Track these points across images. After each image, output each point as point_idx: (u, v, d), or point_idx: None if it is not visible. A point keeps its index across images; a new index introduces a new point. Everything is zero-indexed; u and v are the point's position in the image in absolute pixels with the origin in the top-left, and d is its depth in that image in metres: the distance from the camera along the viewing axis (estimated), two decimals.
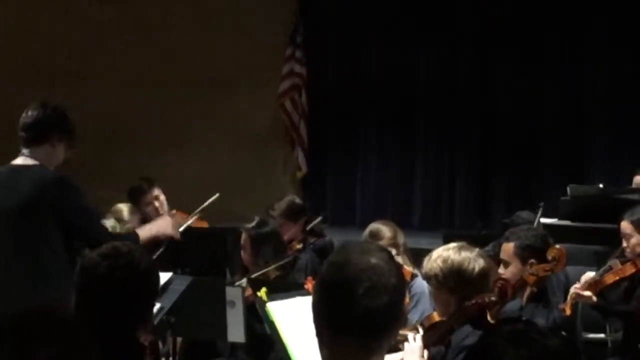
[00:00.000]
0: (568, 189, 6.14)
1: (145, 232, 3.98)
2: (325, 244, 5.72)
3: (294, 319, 2.78)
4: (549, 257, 3.81)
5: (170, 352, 4.34)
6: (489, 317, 3.18)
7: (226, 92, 9.25)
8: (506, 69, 9.24)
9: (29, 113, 3.72)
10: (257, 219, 4.96)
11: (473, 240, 3.55)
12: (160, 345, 4.51)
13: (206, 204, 4.66)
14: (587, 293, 4.13)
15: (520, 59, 9.19)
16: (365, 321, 1.84)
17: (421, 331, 3.14)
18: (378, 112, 9.50)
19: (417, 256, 4.03)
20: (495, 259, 3.93)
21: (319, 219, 6.07)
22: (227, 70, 9.27)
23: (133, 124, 9.20)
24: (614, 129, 8.95)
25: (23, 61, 9.21)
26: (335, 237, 6.34)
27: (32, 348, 1.45)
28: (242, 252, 4.86)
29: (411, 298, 4.33)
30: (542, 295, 3.99)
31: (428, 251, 3.31)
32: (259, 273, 4.55)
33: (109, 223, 4.64)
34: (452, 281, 3.15)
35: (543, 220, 5.58)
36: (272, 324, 2.82)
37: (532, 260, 3.86)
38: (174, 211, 5.49)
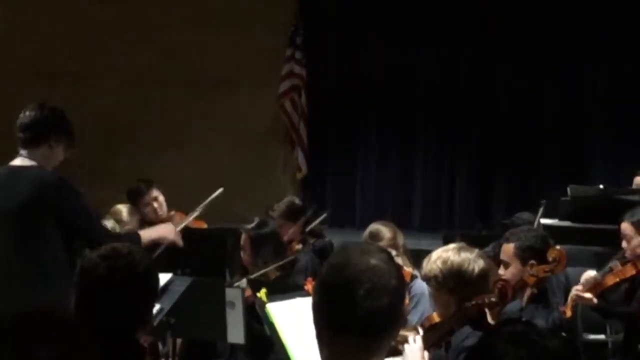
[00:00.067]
0: (568, 189, 6.14)
1: (147, 234, 3.99)
2: (325, 244, 5.71)
3: (293, 320, 2.78)
4: (549, 258, 3.81)
5: (170, 353, 4.34)
6: (489, 318, 3.18)
7: (226, 92, 9.25)
8: (506, 69, 9.25)
9: (27, 113, 3.72)
10: (256, 219, 4.96)
11: (473, 240, 3.55)
12: (160, 346, 4.51)
13: (210, 198, 4.65)
14: (588, 295, 4.13)
15: (520, 59, 9.19)
16: (365, 322, 1.84)
17: (421, 332, 3.14)
18: (378, 112, 9.50)
19: (417, 257, 4.03)
20: (495, 260, 3.93)
21: (323, 216, 6.07)
22: (227, 71, 9.27)
23: (133, 124, 9.20)
24: (614, 129, 8.96)
25: (23, 61, 9.21)
26: (335, 238, 6.34)
27: (32, 348, 1.45)
28: (241, 253, 4.86)
29: (411, 299, 4.33)
30: (542, 296, 3.99)
31: (428, 252, 3.31)
32: (259, 274, 4.55)
33: (109, 224, 4.64)
34: (451, 282, 3.15)
35: (543, 221, 5.58)
36: (271, 325, 2.82)
37: (532, 261, 3.85)
38: (172, 212, 5.50)
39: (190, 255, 4.56)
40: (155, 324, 3.45)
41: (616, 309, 4.41)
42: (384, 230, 4.83)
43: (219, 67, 9.29)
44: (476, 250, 3.26)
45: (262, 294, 3.03)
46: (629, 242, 4.30)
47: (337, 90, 9.54)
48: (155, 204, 5.41)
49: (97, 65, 9.28)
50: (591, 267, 4.49)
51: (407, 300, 3.81)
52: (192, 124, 9.28)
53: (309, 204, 6.30)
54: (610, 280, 4.22)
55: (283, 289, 3.56)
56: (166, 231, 4.13)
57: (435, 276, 3.18)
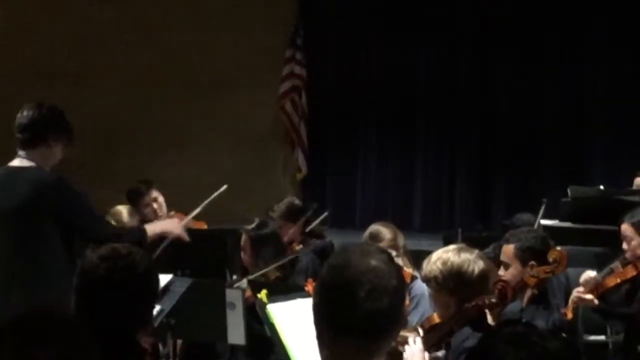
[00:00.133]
0: (569, 190, 6.14)
1: (152, 228, 3.98)
2: (325, 245, 5.71)
3: (294, 320, 2.78)
4: (550, 259, 3.81)
5: (171, 354, 4.34)
6: (489, 319, 3.18)
7: (226, 92, 9.25)
8: (506, 69, 9.26)
9: (24, 114, 3.72)
10: (257, 220, 4.96)
11: (473, 241, 3.55)
12: (161, 347, 4.51)
13: (214, 195, 4.65)
14: (589, 296, 4.13)
15: (520, 59, 9.20)
16: (365, 323, 1.84)
17: (421, 333, 3.14)
18: (378, 112, 9.51)
19: (418, 258, 4.03)
20: (495, 261, 3.92)
21: (323, 216, 6.07)
22: (227, 70, 9.27)
23: (133, 124, 9.20)
24: (614, 129, 8.97)
25: (23, 61, 9.21)
26: (335, 238, 6.34)
27: (32, 348, 1.45)
28: (242, 254, 4.86)
29: (411, 300, 4.33)
30: (543, 297, 3.99)
31: (428, 253, 3.31)
32: (259, 274, 4.55)
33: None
34: (451, 283, 3.15)
35: (543, 221, 5.58)
36: (272, 326, 2.82)
37: (532, 262, 3.85)
38: (172, 212, 5.49)
39: (190, 256, 4.56)
40: (155, 325, 3.46)
41: (617, 310, 4.41)
42: (384, 231, 4.84)
43: (219, 67, 9.29)
44: (476, 251, 3.26)
45: (262, 294, 3.02)
46: (629, 243, 4.29)
47: (337, 90, 9.55)
48: (155, 205, 5.41)
49: (97, 65, 9.28)
50: (591, 267, 4.49)
51: (407, 301, 3.81)
52: (192, 124, 9.28)
53: (309, 205, 6.30)
54: (611, 281, 4.22)
55: (283, 290, 3.57)
56: (171, 225, 4.13)
57: (435, 277, 3.18)
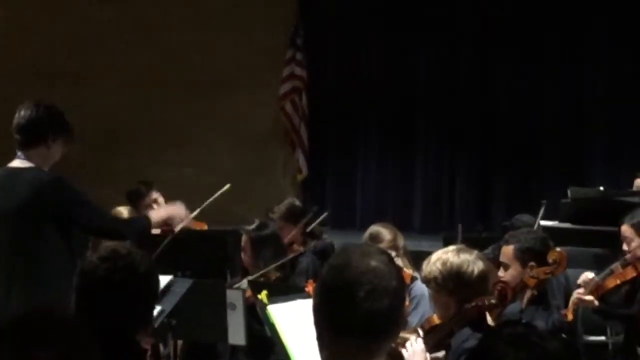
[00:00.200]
0: (569, 191, 6.15)
1: (156, 215, 3.98)
2: (325, 246, 5.71)
3: (294, 321, 2.78)
4: (550, 260, 3.81)
5: (171, 354, 4.35)
6: (489, 320, 3.19)
7: (226, 92, 9.25)
8: (506, 69, 9.25)
9: (22, 113, 3.70)
10: (257, 221, 4.96)
11: (473, 242, 3.56)
12: (161, 348, 4.52)
13: (217, 194, 4.65)
14: (589, 298, 4.13)
15: (520, 59, 9.20)
16: (366, 324, 1.84)
17: (421, 334, 3.15)
18: (378, 112, 9.51)
19: (418, 258, 4.03)
20: (495, 262, 3.92)
21: (322, 216, 6.07)
22: (227, 71, 9.27)
23: (133, 124, 9.20)
24: (614, 129, 8.97)
25: (23, 61, 9.21)
26: (336, 239, 6.34)
27: (32, 348, 1.45)
28: (242, 255, 4.86)
29: (411, 301, 4.33)
30: (542, 298, 3.99)
31: (428, 253, 3.31)
32: (259, 274, 4.56)
33: (108, 239, 4.59)
34: (451, 284, 3.15)
35: (543, 222, 5.58)
36: (272, 327, 2.83)
37: (532, 263, 3.85)
38: None
39: (191, 257, 4.57)
40: (156, 325, 3.46)
41: (617, 311, 4.41)
42: (384, 232, 4.84)
43: (219, 67, 9.29)
44: (475, 252, 3.27)
45: (263, 295, 3.03)
46: (629, 244, 4.30)
47: (337, 90, 9.55)
48: (156, 206, 5.41)
49: (97, 65, 9.28)
50: (591, 268, 4.49)
51: (407, 302, 3.82)
52: (192, 124, 9.28)
53: (309, 206, 6.30)
54: (611, 282, 4.22)
55: (284, 291, 3.57)
56: (175, 210, 4.12)
57: (435, 278, 3.18)
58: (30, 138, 3.70)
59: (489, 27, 9.30)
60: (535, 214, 5.76)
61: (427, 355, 2.95)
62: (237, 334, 4.03)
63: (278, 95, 9.26)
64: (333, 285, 1.89)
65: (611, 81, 8.98)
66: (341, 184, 9.62)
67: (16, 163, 3.73)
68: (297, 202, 5.99)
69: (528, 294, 3.93)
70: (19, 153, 3.73)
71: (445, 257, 3.20)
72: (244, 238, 4.86)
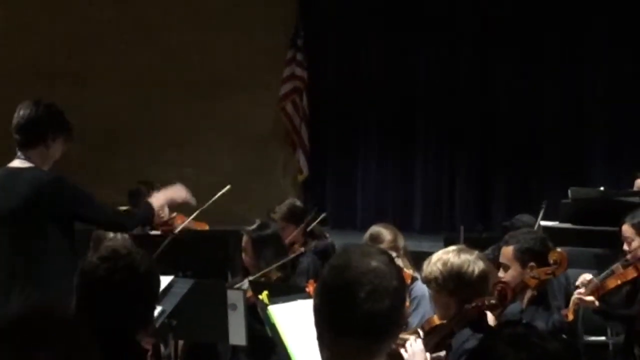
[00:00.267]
0: (569, 191, 6.15)
1: (157, 200, 3.99)
2: (326, 246, 5.72)
3: (295, 321, 2.79)
4: (550, 261, 3.81)
5: (172, 354, 4.34)
6: (490, 320, 3.19)
7: (226, 92, 9.26)
8: (506, 69, 9.26)
9: (21, 113, 3.70)
10: (258, 221, 4.96)
11: (473, 242, 3.56)
12: (162, 348, 4.52)
13: (218, 195, 4.65)
14: (590, 298, 4.13)
15: (520, 59, 9.20)
16: (366, 324, 1.84)
17: (422, 335, 3.15)
18: (378, 112, 9.52)
19: (418, 259, 4.03)
20: (495, 263, 3.92)
21: (323, 215, 6.07)
22: (227, 71, 9.28)
23: (133, 124, 9.21)
24: (614, 129, 8.97)
25: (23, 61, 9.22)
26: (336, 239, 6.34)
27: (32, 348, 1.45)
28: (243, 255, 4.86)
29: (412, 301, 4.33)
30: (543, 298, 3.99)
31: (429, 254, 3.32)
32: (260, 274, 4.56)
33: (110, 231, 4.61)
34: (451, 284, 3.16)
35: (544, 223, 5.58)
36: (273, 327, 2.83)
37: (532, 264, 3.85)
38: (174, 214, 5.49)
39: (191, 257, 4.57)
40: (157, 325, 3.46)
41: (617, 311, 4.41)
42: (385, 233, 4.84)
43: (219, 67, 9.29)
44: (476, 252, 3.27)
45: (263, 295, 3.03)
46: (629, 244, 4.30)
47: (337, 90, 9.56)
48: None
49: (97, 65, 9.29)
50: (592, 269, 4.49)
51: (407, 303, 3.82)
52: (192, 124, 9.29)
53: (310, 206, 6.31)
54: (612, 282, 4.23)
55: (285, 291, 3.57)
56: (174, 192, 4.13)
57: (436, 278, 3.19)
58: (29, 138, 3.69)
59: (489, 27, 9.30)
60: (535, 214, 5.76)
61: (428, 355, 2.95)
62: (237, 334, 4.03)
63: (278, 95, 9.26)
64: (334, 286, 1.89)
65: (611, 81, 8.98)
66: (341, 184, 9.63)
67: (16, 163, 3.73)
68: (298, 203, 5.99)
69: (528, 295, 3.92)
70: (19, 153, 3.73)
71: (445, 257, 3.20)
72: (244, 238, 4.86)
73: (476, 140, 9.37)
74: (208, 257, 4.85)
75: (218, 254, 5.02)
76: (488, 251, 4.54)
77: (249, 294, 4.19)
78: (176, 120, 9.29)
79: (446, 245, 3.82)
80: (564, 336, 3.72)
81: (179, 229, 4.42)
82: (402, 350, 2.86)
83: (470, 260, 3.18)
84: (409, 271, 4.34)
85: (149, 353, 3.78)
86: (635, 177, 6.75)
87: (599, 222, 5.16)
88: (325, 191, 9.58)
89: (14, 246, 3.64)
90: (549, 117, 9.19)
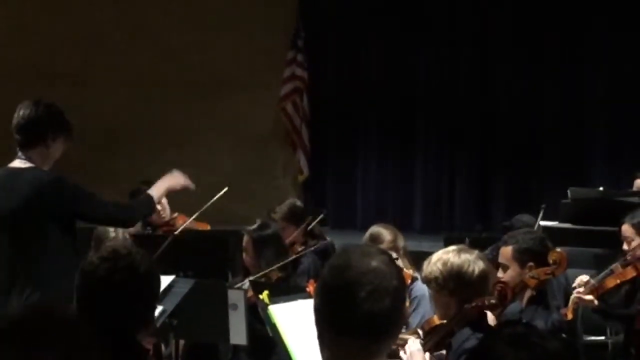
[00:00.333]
0: (569, 191, 6.16)
1: (156, 192, 3.99)
2: (326, 246, 5.72)
3: (295, 321, 2.79)
4: (550, 261, 3.81)
5: (173, 354, 4.35)
6: (490, 320, 3.19)
7: (226, 92, 9.26)
8: (506, 69, 9.26)
9: (21, 113, 3.70)
10: (258, 221, 4.97)
11: (473, 242, 3.56)
12: (163, 348, 4.52)
13: (216, 198, 4.66)
14: (589, 297, 4.14)
15: (520, 59, 9.20)
16: (366, 324, 1.85)
17: (421, 335, 3.16)
18: (378, 112, 9.51)
19: (418, 259, 4.03)
20: (494, 263, 3.92)
21: (321, 216, 6.07)
22: (227, 71, 9.28)
23: (133, 124, 9.20)
24: (614, 129, 8.97)
25: (23, 61, 9.21)
26: (337, 240, 6.35)
27: (33, 349, 1.45)
28: (243, 255, 4.87)
29: (412, 301, 4.34)
30: (542, 298, 4.00)
31: (429, 254, 3.32)
32: (261, 274, 4.56)
33: (111, 227, 4.63)
34: (452, 284, 3.16)
35: (543, 223, 5.59)
36: (274, 327, 2.83)
37: (531, 264, 3.86)
38: (176, 214, 5.49)
39: (192, 257, 4.57)
40: (158, 325, 3.46)
41: (616, 311, 4.42)
42: (385, 233, 4.84)
43: (219, 67, 9.29)
44: (476, 252, 3.28)
45: (264, 295, 3.04)
46: (629, 244, 4.31)
47: (337, 90, 9.56)
48: (159, 207, 5.38)
49: (97, 65, 9.29)
50: (591, 269, 4.50)
51: (407, 303, 3.82)
52: (192, 124, 9.28)
53: (310, 206, 6.31)
54: (611, 282, 4.23)
55: (285, 291, 3.58)
56: (173, 179, 4.14)
57: (436, 278, 3.19)
58: (29, 138, 3.70)
59: (489, 27, 9.30)
60: (535, 214, 5.77)
61: (427, 355, 2.95)
62: (238, 334, 4.04)
63: (278, 95, 9.26)
64: (334, 286, 1.89)
65: (611, 81, 8.98)
66: (341, 184, 9.63)
67: (16, 163, 3.73)
68: (299, 203, 5.99)
69: (528, 294, 3.93)
70: (19, 153, 3.73)
71: (445, 257, 3.21)
72: (245, 238, 4.86)
73: (476, 140, 9.37)
74: (209, 257, 4.85)
75: (219, 254, 5.02)
76: (487, 251, 4.55)
77: (250, 293, 4.20)
78: (176, 120, 9.28)
79: (446, 245, 3.82)
80: (563, 335, 3.73)
81: (179, 229, 4.43)
82: (400, 352, 2.87)
83: (470, 260, 3.18)
84: (408, 271, 4.34)
85: (150, 353, 3.79)
86: (635, 178, 6.76)
87: (598, 222, 5.17)
88: (325, 191, 9.58)
89: (14, 246, 3.64)
90: (549, 117, 9.19)
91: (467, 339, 3.07)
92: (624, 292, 4.34)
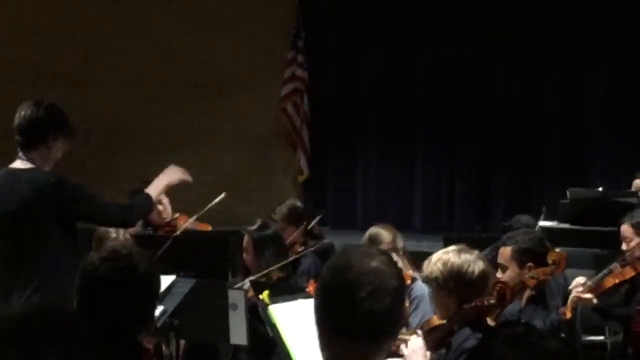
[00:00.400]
0: (568, 192, 6.16)
1: (154, 190, 3.99)
2: (326, 246, 5.72)
3: (296, 321, 2.79)
4: (549, 261, 3.82)
5: (174, 354, 4.35)
6: (488, 320, 3.20)
7: (226, 92, 9.26)
8: (506, 69, 9.26)
9: (22, 114, 3.69)
10: (259, 221, 4.97)
11: (473, 243, 3.56)
12: (164, 348, 4.53)
13: (213, 203, 4.66)
14: (588, 296, 4.14)
15: (520, 59, 9.20)
16: (366, 324, 1.85)
17: (421, 335, 3.16)
18: (378, 112, 9.51)
19: (418, 259, 4.04)
20: (493, 263, 3.93)
21: (317, 218, 6.08)
22: (227, 71, 9.28)
23: (133, 124, 9.20)
24: (614, 129, 8.97)
25: (23, 61, 9.21)
26: (337, 240, 6.35)
27: (35, 349, 1.45)
28: (244, 255, 4.87)
29: (411, 302, 4.34)
30: (541, 297, 4.00)
31: (429, 254, 3.33)
32: (260, 274, 4.57)
33: (112, 227, 4.63)
34: (452, 284, 3.17)
35: (542, 223, 5.60)
36: (274, 327, 2.84)
37: (530, 264, 3.87)
38: (177, 215, 5.49)
39: (192, 257, 4.57)
40: (158, 325, 3.47)
41: (616, 310, 4.42)
42: (384, 234, 4.84)
43: (219, 67, 9.29)
44: (476, 252, 3.29)
45: (264, 295, 3.04)
46: (628, 244, 4.32)
47: (337, 91, 9.56)
48: (160, 207, 5.38)
49: (97, 65, 9.29)
50: (590, 269, 4.51)
51: (407, 303, 3.83)
52: (192, 124, 9.28)
53: (310, 206, 6.31)
54: (610, 282, 4.24)
55: (285, 291, 3.58)
56: (170, 175, 4.14)
57: (436, 278, 3.20)
58: (30, 139, 3.69)
59: (489, 27, 9.30)
60: (535, 214, 5.77)
61: (428, 353, 2.95)
62: (238, 334, 4.04)
63: (278, 95, 9.26)
64: (334, 286, 1.90)
65: (611, 81, 8.98)
66: (341, 184, 9.63)
67: (17, 164, 3.73)
68: (299, 203, 5.99)
69: (526, 294, 3.94)
70: (20, 154, 3.73)
71: (446, 257, 3.21)
72: (245, 238, 4.87)
73: (476, 140, 9.37)
74: (209, 257, 4.86)
75: (219, 254, 5.03)
76: (486, 251, 4.56)
77: (250, 293, 4.20)
78: (176, 120, 9.28)
79: (446, 245, 3.83)
80: (562, 335, 3.74)
81: (180, 229, 4.43)
82: (402, 346, 2.87)
83: (470, 260, 3.19)
84: (408, 272, 4.35)
85: (151, 353, 3.80)
86: (635, 178, 6.77)
87: (597, 223, 5.18)
88: (325, 191, 9.58)
89: (15, 247, 3.64)
90: (549, 117, 9.19)
91: (467, 338, 3.07)
92: (623, 292, 4.34)
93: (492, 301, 3.21)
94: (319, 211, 6.29)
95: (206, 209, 4.66)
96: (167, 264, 3.86)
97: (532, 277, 3.80)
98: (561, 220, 5.59)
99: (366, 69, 9.55)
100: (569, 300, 4.13)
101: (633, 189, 6.64)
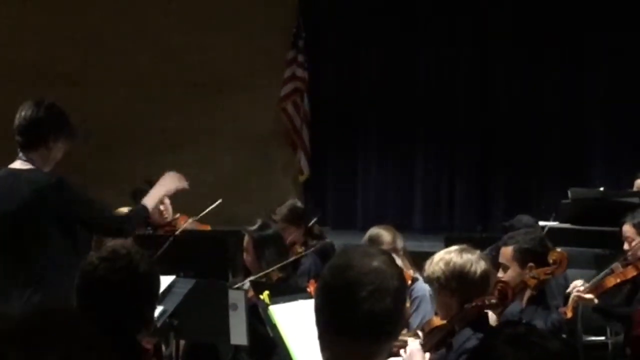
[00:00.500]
0: (569, 192, 6.16)
1: (152, 198, 3.98)
2: (327, 246, 5.72)
3: (296, 321, 2.79)
4: (550, 261, 3.82)
5: (173, 354, 4.35)
6: (491, 320, 3.20)
7: (226, 92, 9.25)
8: (506, 69, 9.26)
9: (22, 114, 3.68)
10: (259, 221, 4.97)
11: (473, 243, 3.56)
12: (164, 348, 4.52)
13: (209, 209, 4.66)
14: (589, 296, 4.14)
15: (520, 59, 9.20)
16: (367, 324, 1.85)
17: (421, 336, 3.16)
18: (378, 112, 9.51)
19: (419, 259, 4.04)
20: (493, 263, 3.92)
21: (314, 220, 6.07)
22: (227, 71, 9.27)
23: (133, 124, 9.20)
24: (614, 129, 8.97)
25: (23, 61, 9.21)
26: (337, 240, 6.35)
27: (35, 349, 1.45)
28: (244, 255, 4.87)
29: (412, 302, 4.34)
30: (542, 297, 4.00)
31: (430, 254, 3.33)
32: (261, 275, 4.56)
33: (108, 237, 4.60)
34: (454, 283, 3.17)
35: (543, 223, 5.59)
36: (274, 327, 2.83)
37: (531, 264, 3.87)
38: (178, 215, 5.49)
39: (192, 257, 4.57)
40: (158, 325, 3.46)
41: (617, 310, 4.42)
42: (384, 234, 4.84)
43: (219, 67, 9.29)
44: (478, 252, 3.29)
45: (265, 295, 3.04)
46: (630, 243, 4.32)
47: (337, 91, 9.56)
48: (162, 207, 5.37)
49: (97, 65, 9.28)
50: (591, 269, 4.50)
51: (408, 303, 3.82)
52: (192, 124, 9.28)
53: (310, 206, 6.31)
54: (611, 282, 4.24)
55: (286, 291, 3.58)
56: (168, 182, 4.12)
57: (438, 278, 3.20)
58: (31, 139, 3.68)
59: (489, 27, 9.30)
60: (535, 214, 5.77)
61: (427, 355, 2.95)
62: (239, 334, 4.03)
63: (278, 95, 9.26)
64: (334, 286, 1.89)
65: (611, 81, 8.98)
66: (341, 184, 9.62)
67: (17, 164, 3.72)
68: (299, 204, 5.99)
69: (527, 294, 3.93)
70: (20, 154, 3.73)
71: (448, 257, 3.21)
72: (246, 238, 4.86)
73: (476, 140, 9.37)
74: (209, 257, 4.85)
75: (219, 254, 5.02)
76: (486, 251, 4.55)
77: (250, 293, 4.20)
78: (176, 120, 9.28)
79: (446, 245, 3.83)
80: (563, 335, 3.74)
81: (179, 230, 4.42)
82: (401, 352, 2.87)
83: (472, 260, 3.19)
84: (409, 272, 4.35)
85: (150, 353, 3.79)
86: (636, 178, 6.76)
87: (598, 223, 5.17)
88: (325, 191, 9.58)
89: (15, 247, 3.64)
90: (548, 117, 9.19)
91: (468, 339, 3.07)
92: (625, 292, 4.34)
93: (494, 301, 3.21)
94: (317, 211, 6.28)
95: (203, 213, 4.65)
96: (167, 264, 3.86)
97: (533, 277, 3.80)
98: (562, 220, 5.59)
99: (366, 69, 9.54)
100: (570, 300, 4.13)
101: (635, 189, 6.64)
